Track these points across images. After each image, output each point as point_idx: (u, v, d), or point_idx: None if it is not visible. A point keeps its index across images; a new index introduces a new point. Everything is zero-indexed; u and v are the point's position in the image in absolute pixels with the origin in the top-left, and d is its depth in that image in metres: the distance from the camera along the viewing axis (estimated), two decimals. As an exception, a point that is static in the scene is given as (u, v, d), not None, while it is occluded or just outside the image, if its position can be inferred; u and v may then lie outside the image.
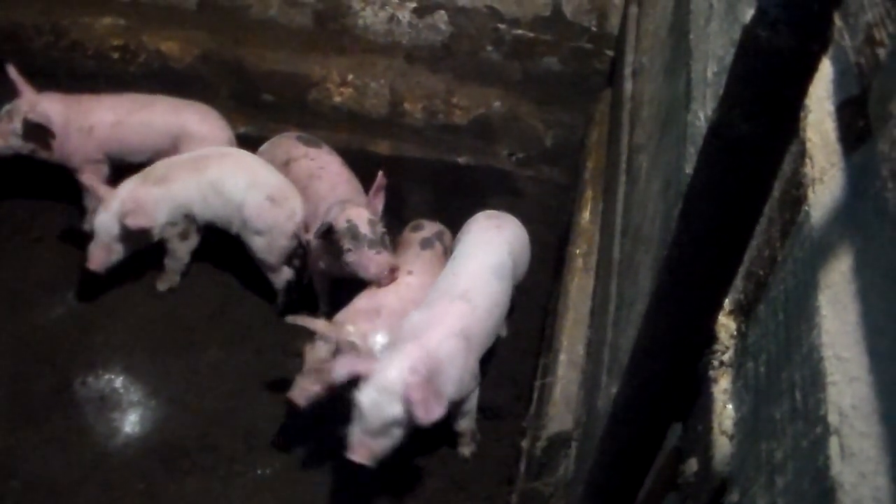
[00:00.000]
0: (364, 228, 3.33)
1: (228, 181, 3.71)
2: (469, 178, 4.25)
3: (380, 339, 3.25)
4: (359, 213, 3.37)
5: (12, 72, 3.79)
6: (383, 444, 2.92)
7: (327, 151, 3.88)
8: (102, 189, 3.68)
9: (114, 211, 3.60)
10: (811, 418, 0.93)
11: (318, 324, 3.20)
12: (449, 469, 3.44)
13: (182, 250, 3.82)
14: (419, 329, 3.07)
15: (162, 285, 3.90)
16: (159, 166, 3.77)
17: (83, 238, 3.76)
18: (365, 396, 2.88)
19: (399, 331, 3.14)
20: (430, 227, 3.74)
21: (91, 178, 3.74)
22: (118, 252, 3.68)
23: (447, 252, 3.68)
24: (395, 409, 2.86)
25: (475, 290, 3.24)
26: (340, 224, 3.33)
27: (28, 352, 3.64)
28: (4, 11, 4.25)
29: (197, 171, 3.72)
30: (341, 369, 2.97)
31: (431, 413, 2.87)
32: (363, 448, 2.90)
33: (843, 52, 1.09)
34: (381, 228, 3.38)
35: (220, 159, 3.77)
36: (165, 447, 3.41)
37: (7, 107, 3.83)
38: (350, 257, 3.34)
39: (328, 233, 3.35)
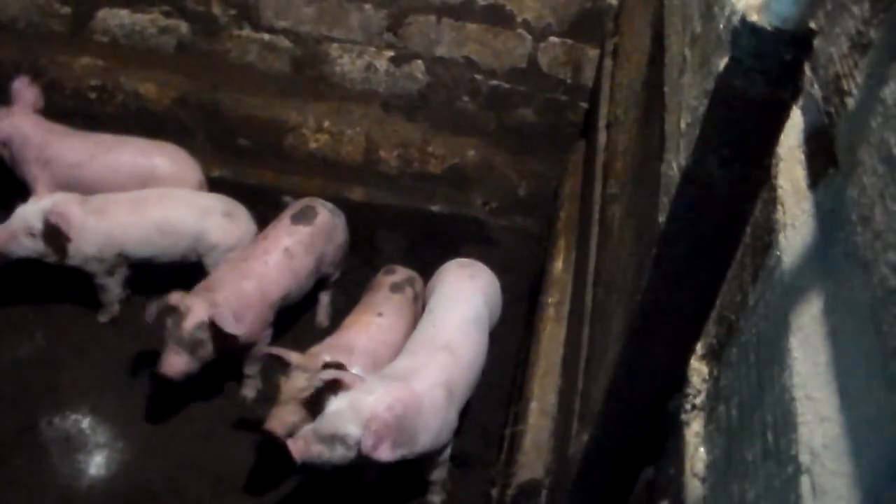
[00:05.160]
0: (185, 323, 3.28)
1: (176, 218, 3.73)
2: (443, 226, 4.27)
3: None
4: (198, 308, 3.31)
5: (21, 82, 3.93)
6: (321, 452, 2.88)
7: (290, 231, 3.69)
8: (42, 188, 3.70)
9: (41, 206, 3.55)
10: (783, 458, 0.94)
11: (292, 355, 3.21)
12: (418, 517, 3.42)
13: (111, 283, 3.81)
14: (406, 374, 3.08)
15: (103, 317, 3.88)
16: (99, 199, 3.75)
17: (53, 276, 3.73)
18: (334, 403, 2.89)
19: (381, 375, 3.13)
20: (401, 273, 3.77)
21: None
22: (21, 247, 3.57)
23: (417, 298, 3.70)
24: (351, 429, 2.85)
25: (457, 342, 3.28)
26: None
27: (-7, 390, 3.59)
28: (-18, 49, 4.26)
29: (136, 212, 3.73)
30: (327, 374, 3.00)
31: (378, 451, 2.86)
32: (304, 442, 2.87)
33: (813, 102, 1.12)
34: (199, 334, 3.31)
35: (159, 201, 3.78)
36: (131, 490, 3.36)
37: None
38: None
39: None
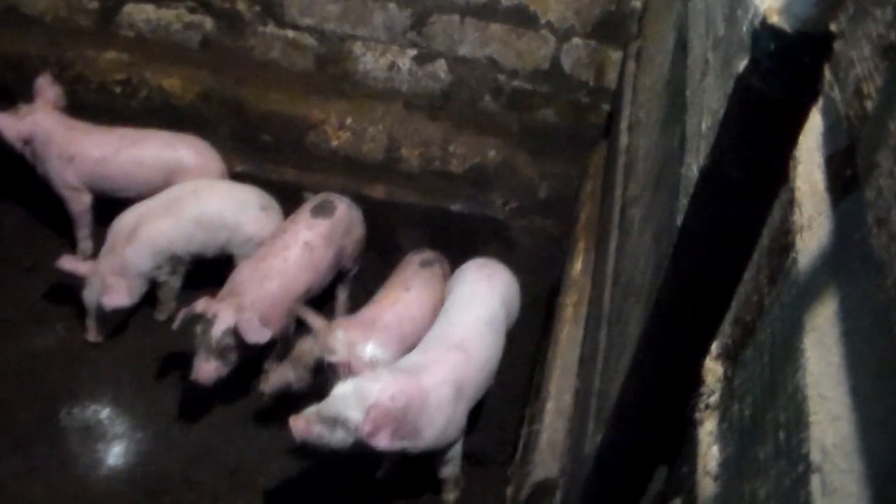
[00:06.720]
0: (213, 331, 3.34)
1: (214, 211, 3.77)
2: (463, 225, 4.28)
3: (370, 350, 3.31)
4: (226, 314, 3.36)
5: (44, 80, 3.95)
6: (321, 434, 2.91)
7: (309, 224, 3.71)
8: (82, 267, 3.68)
9: (96, 288, 3.65)
10: (794, 457, 0.95)
11: (317, 321, 3.28)
12: (432, 515, 3.43)
13: (171, 281, 3.86)
14: (417, 368, 3.10)
15: (161, 315, 3.92)
16: (125, 224, 3.73)
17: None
18: (340, 387, 2.94)
19: (392, 367, 3.17)
20: (430, 252, 3.81)
21: (69, 261, 3.68)
22: (115, 319, 3.76)
23: (446, 277, 3.72)
24: (352, 414, 2.88)
25: (471, 341, 3.29)
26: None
27: (15, 380, 3.62)
28: (10, 42, 4.30)
29: (172, 213, 3.75)
30: (337, 358, 3.11)
31: (376, 439, 2.89)
32: (307, 423, 2.91)
33: (833, 105, 1.12)
34: (227, 340, 3.37)
35: (194, 196, 3.80)
36: (148, 481, 3.38)
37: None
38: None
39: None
